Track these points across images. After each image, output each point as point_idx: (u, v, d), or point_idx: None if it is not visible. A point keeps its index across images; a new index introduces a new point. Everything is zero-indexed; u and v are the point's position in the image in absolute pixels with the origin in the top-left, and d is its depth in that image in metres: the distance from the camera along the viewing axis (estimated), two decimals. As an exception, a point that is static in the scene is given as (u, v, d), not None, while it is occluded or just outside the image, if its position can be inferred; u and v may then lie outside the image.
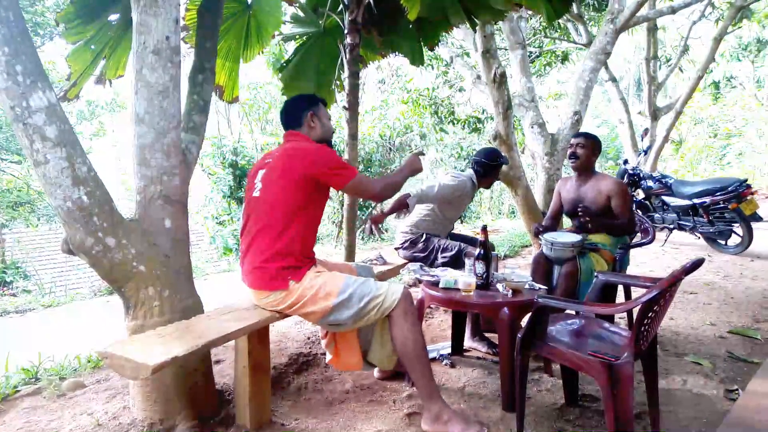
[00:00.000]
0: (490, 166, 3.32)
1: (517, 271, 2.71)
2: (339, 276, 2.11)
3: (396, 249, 3.31)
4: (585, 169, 3.05)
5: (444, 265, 3.04)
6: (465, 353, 2.87)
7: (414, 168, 2.40)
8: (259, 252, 2.08)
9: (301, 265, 2.10)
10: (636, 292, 2.88)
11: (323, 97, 3.88)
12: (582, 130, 5.16)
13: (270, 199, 2.09)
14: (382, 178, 2.28)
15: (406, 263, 3.18)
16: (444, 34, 4.14)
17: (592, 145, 3.02)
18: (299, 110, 2.28)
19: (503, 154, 3.53)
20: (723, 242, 5.57)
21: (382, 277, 2.83)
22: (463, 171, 3.46)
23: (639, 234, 3.46)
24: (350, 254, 3.46)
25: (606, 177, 3.04)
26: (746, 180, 5.37)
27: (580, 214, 2.90)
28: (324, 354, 2.85)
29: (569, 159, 3.09)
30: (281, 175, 2.09)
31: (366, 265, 2.64)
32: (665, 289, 1.68)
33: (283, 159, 2.12)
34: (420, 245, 3.21)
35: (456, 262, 3.03)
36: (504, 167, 4.82)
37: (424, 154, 2.67)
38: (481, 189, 3.48)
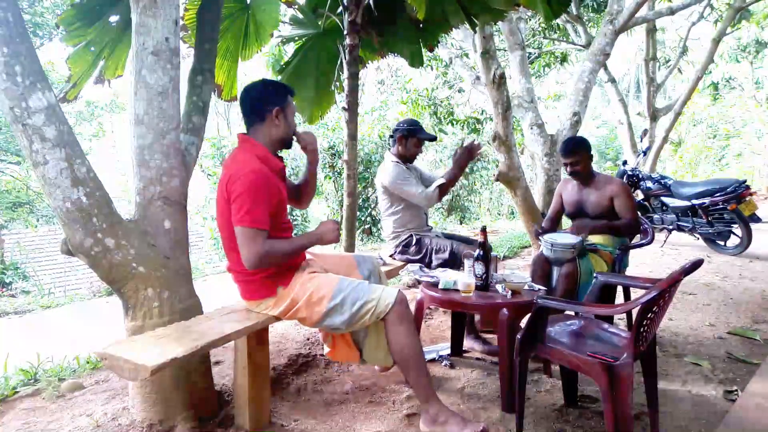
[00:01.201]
0: (399, 138, 3.27)
1: (517, 272, 2.72)
2: (332, 279, 2.09)
3: (391, 256, 3.29)
4: (586, 176, 3.05)
5: (439, 266, 3.03)
6: (464, 354, 2.87)
7: (324, 240, 2.09)
8: (237, 267, 2.06)
9: (285, 269, 2.09)
10: (635, 293, 2.89)
11: (322, 95, 3.91)
12: (581, 131, 5.17)
13: (219, 218, 2.03)
14: (274, 244, 1.94)
15: (404, 264, 3.18)
16: (443, 35, 4.14)
17: (584, 154, 3.00)
18: (265, 104, 2.04)
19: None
20: (722, 243, 5.57)
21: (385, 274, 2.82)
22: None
23: (638, 235, 3.46)
24: (349, 255, 3.46)
25: (608, 178, 3.04)
26: (745, 181, 5.38)
27: (577, 226, 2.90)
28: (324, 355, 2.85)
29: (570, 176, 3.10)
30: (219, 193, 2.01)
31: (366, 256, 2.55)
32: (664, 290, 1.68)
33: (222, 174, 2.00)
34: (413, 248, 3.19)
35: (452, 263, 3.02)
36: (503, 167, 4.83)
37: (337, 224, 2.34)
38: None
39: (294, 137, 2.18)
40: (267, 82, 2.16)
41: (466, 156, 3.16)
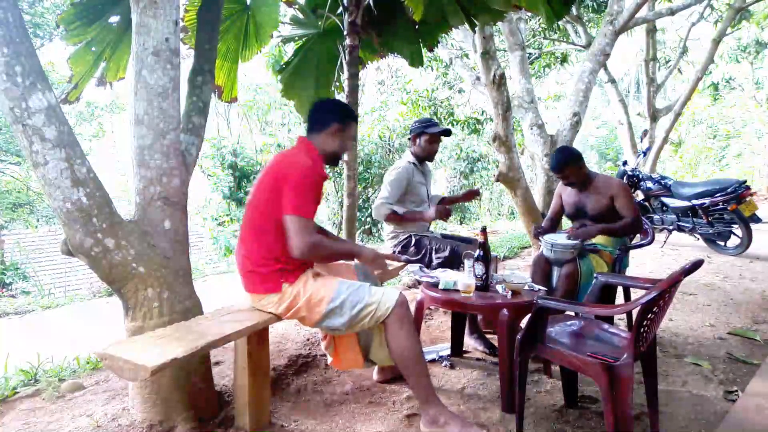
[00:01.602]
0: (413, 138, 3.31)
1: (517, 272, 2.72)
2: (333, 281, 2.10)
3: None
4: (584, 182, 3.04)
5: (439, 266, 3.04)
6: (464, 354, 2.87)
7: (367, 259, 2.21)
8: (251, 256, 2.09)
9: (294, 268, 2.10)
10: (635, 294, 2.89)
11: (322, 95, 3.91)
12: (581, 131, 5.17)
13: (257, 204, 2.09)
14: (322, 238, 2.09)
15: (404, 265, 3.18)
16: (443, 35, 4.14)
17: (572, 167, 2.96)
18: (330, 117, 2.20)
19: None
20: (722, 243, 5.57)
21: (382, 278, 2.82)
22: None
23: (638, 235, 3.46)
24: (349, 256, 3.46)
25: (607, 179, 3.03)
26: (745, 181, 5.38)
27: (575, 234, 2.88)
28: (324, 355, 2.85)
29: (568, 186, 3.10)
30: (265, 181, 2.08)
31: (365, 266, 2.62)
32: (664, 291, 1.68)
33: (273, 165, 2.11)
34: (412, 249, 3.20)
35: (451, 263, 3.03)
36: (503, 168, 4.84)
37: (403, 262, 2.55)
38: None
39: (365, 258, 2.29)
40: (340, 102, 2.38)
41: (446, 212, 3.18)
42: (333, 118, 2.20)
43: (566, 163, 2.96)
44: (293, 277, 2.09)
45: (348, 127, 2.24)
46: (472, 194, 3.53)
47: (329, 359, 2.46)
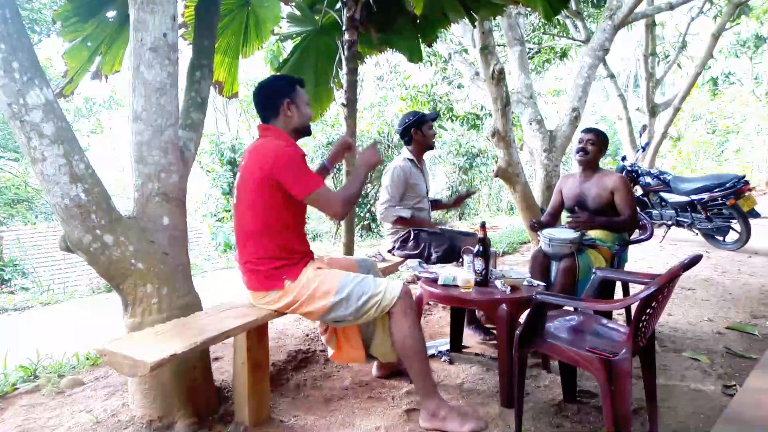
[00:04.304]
0: (405, 131, 3.28)
1: (516, 267, 2.72)
2: (337, 273, 2.10)
3: (389, 251, 3.30)
4: (591, 165, 3.05)
5: (439, 259, 3.04)
6: (464, 350, 2.88)
7: (370, 164, 2.24)
8: (250, 255, 2.09)
9: (296, 262, 2.10)
10: (634, 288, 2.89)
11: (321, 91, 3.91)
12: (579, 126, 5.17)
13: (246, 203, 2.07)
14: (343, 190, 2.12)
15: (404, 260, 3.18)
16: (442, 30, 4.13)
17: (600, 141, 3.05)
18: (275, 99, 2.14)
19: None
20: (721, 238, 5.58)
21: (382, 274, 2.83)
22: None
23: (637, 230, 3.46)
24: (349, 252, 3.46)
25: (609, 173, 3.05)
26: (744, 176, 5.38)
27: (574, 221, 2.89)
28: (323, 350, 2.85)
29: (577, 153, 3.08)
30: (248, 178, 2.06)
31: (367, 259, 2.62)
32: (663, 286, 1.68)
33: (249, 161, 2.08)
34: (411, 243, 3.20)
35: (450, 255, 3.03)
36: (502, 163, 4.83)
37: (379, 143, 2.59)
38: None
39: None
40: (274, 77, 2.27)
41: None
42: (279, 96, 2.13)
43: (599, 131, 3.09)
44: (295, 273, 2.08)
45: (296, 95, 2.16)
46: (462, 198, 3.56)
47: (330, 352, 2.46)
